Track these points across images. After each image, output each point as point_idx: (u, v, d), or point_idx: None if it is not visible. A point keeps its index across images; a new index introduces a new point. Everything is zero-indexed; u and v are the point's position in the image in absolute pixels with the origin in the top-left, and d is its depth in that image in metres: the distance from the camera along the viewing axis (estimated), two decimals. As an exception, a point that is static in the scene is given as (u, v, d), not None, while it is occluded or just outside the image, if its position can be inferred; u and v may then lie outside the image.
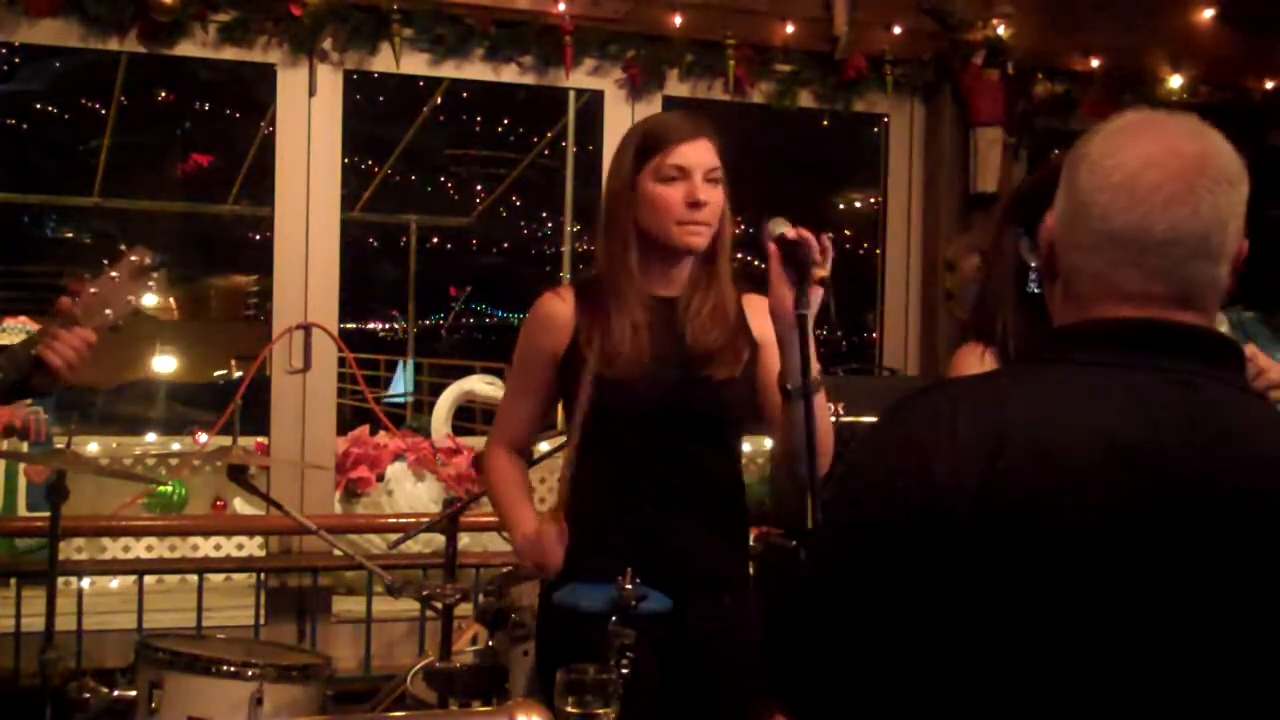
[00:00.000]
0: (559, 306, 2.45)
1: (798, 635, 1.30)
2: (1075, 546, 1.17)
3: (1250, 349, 2.28)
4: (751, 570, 4.25)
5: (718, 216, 2.39)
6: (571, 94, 6.67)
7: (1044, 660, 1.18)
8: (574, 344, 2.41)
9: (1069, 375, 1.27)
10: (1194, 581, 1.17)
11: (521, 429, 2.56)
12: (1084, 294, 1.30)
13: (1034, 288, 2.33)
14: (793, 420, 2.16)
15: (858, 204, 21.16)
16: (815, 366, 2.16)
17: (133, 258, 2.44)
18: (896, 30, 4.86)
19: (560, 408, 2.61)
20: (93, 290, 2.40)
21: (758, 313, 2.40)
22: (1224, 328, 2.76)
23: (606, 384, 2.34)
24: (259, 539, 5.36)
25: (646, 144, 2.38)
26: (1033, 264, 2.36)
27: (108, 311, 2.40)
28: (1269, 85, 5.20)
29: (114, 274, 2.42)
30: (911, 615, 1.21)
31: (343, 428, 5.89)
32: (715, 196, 2.37)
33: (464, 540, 3.62)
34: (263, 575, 4.38)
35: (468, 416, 9.72)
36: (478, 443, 7.03)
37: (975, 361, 2.34)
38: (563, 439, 2.80)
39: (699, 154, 2.37)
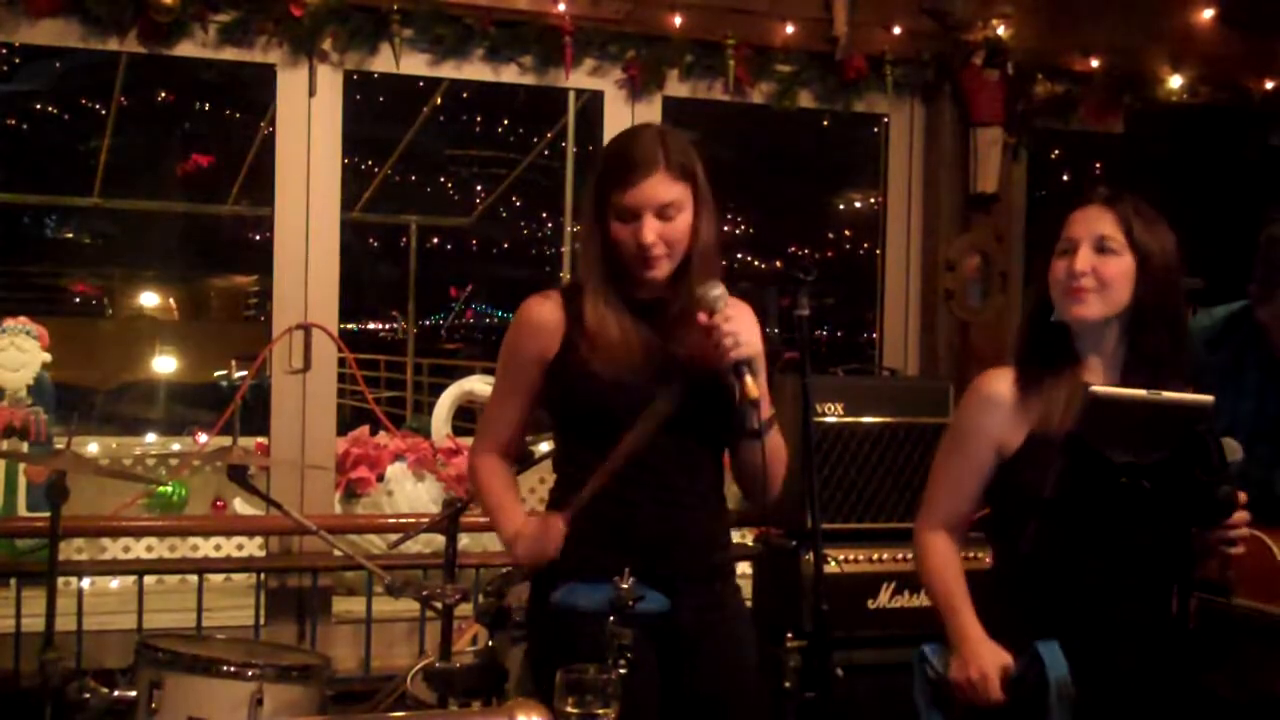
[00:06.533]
0: (547, 310, 2.43)
1: None
2: None
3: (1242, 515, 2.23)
4: (751, 569, 4.27)
5: (678, 242, 2.36)
6: (571, 94, 6.66)
7: None
8: (566, 346, 2.40)
9: None
10: None
11: (509, 433, 2.55)
12: None
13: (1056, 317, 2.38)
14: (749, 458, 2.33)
15: (858, 204, 21.16)
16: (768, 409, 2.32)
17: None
18: (896, 30, 4.87)
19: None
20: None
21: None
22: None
23: (604, 384, 2.34)
24: (259, 539, 5.35)
25: (605, 175, 2.38)
26: None
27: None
28: (1269, 85, 5.19)
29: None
30: None
31: (343, 428, 5.88)
32: (670, 230, 2.34)
33: (464, 540, 3.62)
34: (262, 575, 4.38)
35: (468, 416, 9.69)
36: (478, 443, 7.00)
37: (998, 382, 2.38)
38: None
39: (647, 193, 2.32)
